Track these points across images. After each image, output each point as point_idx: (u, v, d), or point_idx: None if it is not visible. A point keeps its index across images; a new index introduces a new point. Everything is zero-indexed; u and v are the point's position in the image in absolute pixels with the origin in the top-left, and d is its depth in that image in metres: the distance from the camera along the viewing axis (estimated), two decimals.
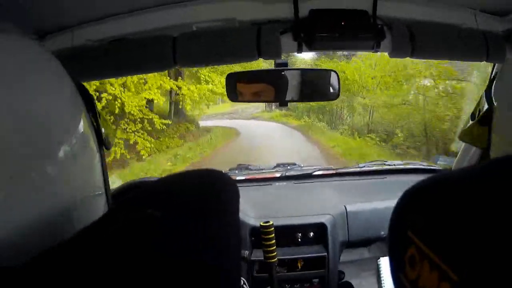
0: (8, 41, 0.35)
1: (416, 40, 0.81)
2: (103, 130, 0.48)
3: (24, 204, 0.31)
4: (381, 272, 1.06)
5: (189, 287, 0.27)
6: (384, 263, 1.08)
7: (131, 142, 6.63)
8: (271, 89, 0.93)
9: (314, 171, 1.43)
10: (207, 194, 0.34)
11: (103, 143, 0.46)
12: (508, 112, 0.52)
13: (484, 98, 0.59)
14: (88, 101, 0.43)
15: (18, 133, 0.31)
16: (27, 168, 0.32)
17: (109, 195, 0.46)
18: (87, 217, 0.39)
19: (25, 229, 0.31)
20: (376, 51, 0.84)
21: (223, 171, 1.12)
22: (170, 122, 7.77)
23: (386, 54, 0.87)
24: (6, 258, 0.29)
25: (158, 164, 6.70)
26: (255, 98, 0.96)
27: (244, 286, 1.03)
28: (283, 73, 0.92)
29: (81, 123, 0.40)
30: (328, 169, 1.46)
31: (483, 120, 0.57)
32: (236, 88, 0.94)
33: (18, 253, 0.29)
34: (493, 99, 0.55)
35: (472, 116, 0.66)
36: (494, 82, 0.56)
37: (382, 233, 1.14)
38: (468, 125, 0.64)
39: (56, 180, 0.34)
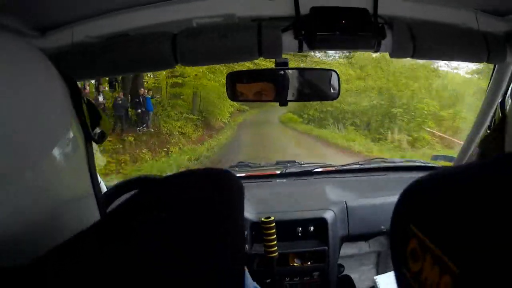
0: None
1: (417, 40, 0.80)
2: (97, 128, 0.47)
3: (12, 205, 0.32)
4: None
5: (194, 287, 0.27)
6: (381, 281, 1.09)
7: None
8: (272, 88, 0.92)
9: (314, 168, 1.43)
10: (214, 193, 0.34)
11: (92, 140, 0.45)
12: None
13: (499, 106, 0.60)
14: (77, 98, 0.42)
15: (2, 134, 0.31)
16: (14, 169, 0.32)
17: (98, 193, 0.45)
18: (76, 215, 0.39)
19: (13, 229, 0.32)
20: (377, 51, 0.83)
21: (227, 169, 1.13)
22: None
23: None
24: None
25: None
26: (256, 97, 0.96)
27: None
28: (283, 72, 0.91)
29: (68, 122, 0.39)
30: (328, 166, 1.47)
31: (497, 128, 0.59)
32: (236, 88, 0.94)
33: (6, 254, 0.29)
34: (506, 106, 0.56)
35: (489, 126, 0.67)
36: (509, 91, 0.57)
37: (383, 227, 1.15)
38: (485, 134, 0.65)
39: (41, 180, 0.34)
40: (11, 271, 0.24)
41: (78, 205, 0.41)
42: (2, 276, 0.24)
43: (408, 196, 0.27)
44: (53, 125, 0.37)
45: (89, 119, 0.44)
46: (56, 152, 0.36)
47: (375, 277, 1.14)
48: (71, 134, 0.39)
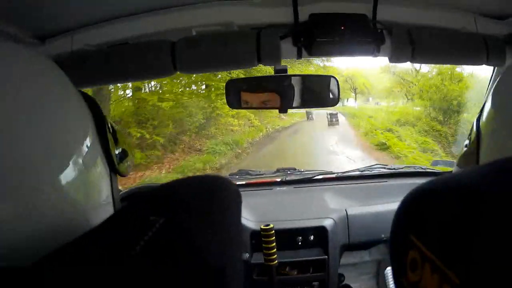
0: (8, 50, 0.35)
1: (416, 44, 0.80)
2: (117, 150, 0.47)
3: (28, 215, 0.32)
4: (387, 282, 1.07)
5: None
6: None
7: None
8: (276, 96, 0.92)
9: (314, 176, 1.42)
10: (210, 199, 0.34)
11: (113, 162, 0.45)
12: (492, 139, 0.52)
13: (475, 123, 0.59)
14: (99, 120, 0.42)
15: (23, 143, 0.31)
16: (31, 181, 0.32)
17: (117, 206, 0.45)
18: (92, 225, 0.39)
19: (30, 237, 0.32)
20: (376, 56, 0.84)
21: (224, 176, 1.12)
22: None
23: None
24: (15, 260, 0.30)
25: None
26: (261, 105, 0.95)
27: None
28: (287, 79, 0.92)
29: (86, 137, 0.39)
30: (328, 173, 1.46)
31: (473, 146, 0.58)
32: (239, 96, 0.94)
33: (27, 255, 0.29)
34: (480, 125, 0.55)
35: (468, 143, 0.66)
36: (484, 110, 0.56)
37: (383, 236, 1.14)
38: (463, 151, 0.65)
39: (58, 193, 0.34)
40: (12, 271, 0.24)
41: (94, 219, 0.41)
42: (5, 276, 0.24)
43: (408, 206, 0.27)
44: (70, 141, 0.37)
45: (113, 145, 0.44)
46: (72, 166, 0.36)
47: (387, 269, 1.12)
48: (89, 150, 0.39)
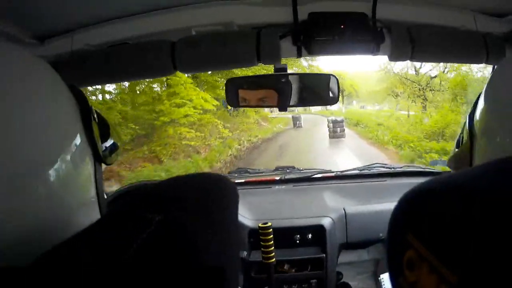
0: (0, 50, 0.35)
1: (415, 42, 0.80)
2: (111, 140, 0.48)
3: (17, 211, 0.32)
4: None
5: None
6: (387, 279, 1.08)
7: None
8: (274, 94, 0.93)
9: (313, 174, 1.43)
10: (208, 197, 0.34)
11: (101, 161, 0.45)
12: (488, 138, 0.50)
13: (467, 121, 0.55)
14: (85, 110, 0.42)
15: (14, 141, 0.32)
16: (20, 177, 0.32)
17: (102, 204, 0.45)
18: (76, 226, 0.40)
19: (17, 234, 0.32)
20: (376, 54, 0.84)
21: (223, 174, 1.13)
22: None
23: None
24: (7, 259, 0.30)
25: None
26: (259, 103, 0.96)
27: None
28: (285, 78, 0.92)
29: (76, 133, 0.40)
30: (327, 172, 1.46)
31: (465, 147, 0.56)
32: (238, 94, 0.94)
33: (17, 256, 0.29)
34: (474, 124, 0.53)
35: (457, 143, 0.64)
36: (477, 108, 0.54)
37: (381, 235, 1.14)
38: (455, 152, 0.64)
39: (46, 189, 0.35)
40: (8, 271, 0.24)
41: (82, 214, 0.41)
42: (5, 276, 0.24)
43: (405, 205, 0.27)
44: (60, 137, 0.37)
45: (99, 136, 0.44)
46: (61, 162, 0.36)
47: (380, 276, 1.14)
48: (78, 146, 0.39)
